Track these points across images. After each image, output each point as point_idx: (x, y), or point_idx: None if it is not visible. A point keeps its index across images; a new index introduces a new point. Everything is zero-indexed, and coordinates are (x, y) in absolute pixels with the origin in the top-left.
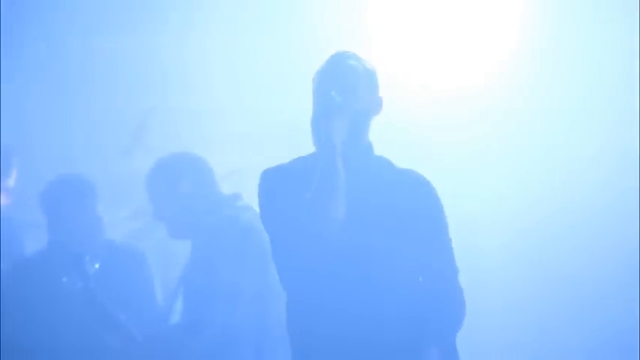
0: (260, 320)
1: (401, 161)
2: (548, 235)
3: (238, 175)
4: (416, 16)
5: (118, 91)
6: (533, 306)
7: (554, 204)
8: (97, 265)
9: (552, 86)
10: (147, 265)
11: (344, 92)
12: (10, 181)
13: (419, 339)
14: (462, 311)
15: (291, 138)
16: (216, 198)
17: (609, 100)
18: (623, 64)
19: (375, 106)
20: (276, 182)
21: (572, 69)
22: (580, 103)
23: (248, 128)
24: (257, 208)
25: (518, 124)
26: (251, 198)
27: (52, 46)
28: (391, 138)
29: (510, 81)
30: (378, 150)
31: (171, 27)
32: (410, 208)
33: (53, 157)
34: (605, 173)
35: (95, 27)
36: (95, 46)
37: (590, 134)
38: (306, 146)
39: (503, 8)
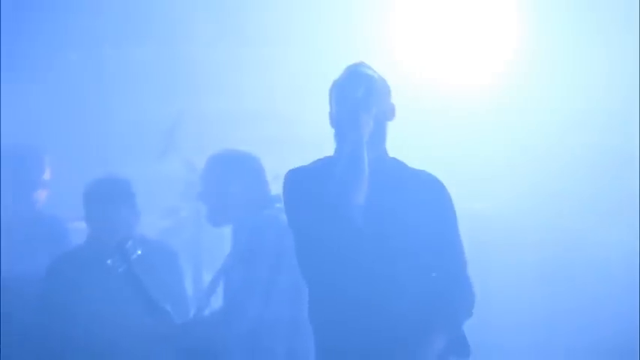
0: (293, 314)
1: (413, 162)
2: (549, 234)
3: (280, 179)
4: (422, 20)
5: (151, 96)
6: (533, 304)
7: (555, 204)
8: (139, 251)
9: (555, 87)
10: (177, 260)
11: (365, 96)
12: (46, 176)
13: (429, 325)
14: (471, 301)
15: (316, 142)
16: (260, 197)
17: (610, 101)
18: (625, 65)
19: (390, 112)
20: (300, 181)
21: (578, 71)
22: (583, 104)
23: (282, 132)
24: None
25: (524, 124)
26: None
27: (90, 53)
28: (402, 140)
29: (515, 82)
30: (392, 152)
31: (202, 34)
32: (423, 205)
33: (93, 157)
34: (605, 173)
35: (130, 35)
36: (130, 54)
37: (592, 134)
38: (328, 150)
39: (504, 11)
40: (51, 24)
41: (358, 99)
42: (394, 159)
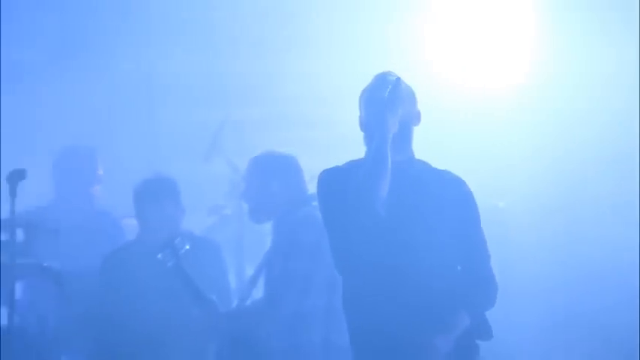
0: (329, 305)
1: (437, 161)
2: (551, 233)
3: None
4: (443, 29)
5: (198, 103)
6: (534, 304)
7: (570, 202)
8: (186, 247)
9: (568, 89)
10: (221, 254)
11: (392, 102)
12: (99, 172)
13: (455, 311)
14: (494, 292)
15: (347, 144)
16: (298, 196)
17: (612, 101)
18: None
19: (416, 117)
20: (332, 180)
21: (590, 73)
22: (585, 105)
23: (316, 135)
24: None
25: (541, 125)
26: None
27: (142, 64)
28: (427, 140)
29: (530, 84)
30: (418, 153)
31: (243, 49)
32: (448, 203)
33: (145, 159)
34: (606, 173)
35: (180, 48)
36: (180, 65)
37: (594, 135)
38: (357, 151)
39: (506, 16)
40: (107, 37)
41: (384, 101)
42: (420, 160)
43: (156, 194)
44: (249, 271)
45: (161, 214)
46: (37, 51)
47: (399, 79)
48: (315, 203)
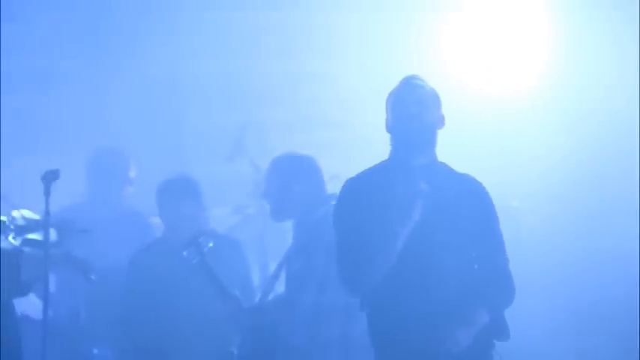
0: (347, 301)
1: (458, 164)
2: (576, 229)
3: (336, 179)
4: (462, 36)
5: (222, 105)
6: (546, 300)
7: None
8: (210, 244)
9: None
10: (243, 252)
11: (418, 105)
12: (132, 174)
13: (475, 308)
14: (512, 293)
15: (365, 145)
16: (318, 196)
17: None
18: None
19: (440, 121)
20: (356, 192)
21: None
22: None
23: (335, 137)
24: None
25: (554, 131)
26: None
27: (169, 67)
28: (449, 144)
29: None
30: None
31: (265, 52)
32: (468, 206)
33: (172, 160)
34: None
35: (204, 52)
36: (204, 68)
37: (603, 134)
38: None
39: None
40: (135, 43)
41: (411, 107)
42: (443, 163)
43: (177, 194)
44: (272, 268)
45: (182, 213)
46: (69, 56)
47: (424, 85)
48: (334, 202)
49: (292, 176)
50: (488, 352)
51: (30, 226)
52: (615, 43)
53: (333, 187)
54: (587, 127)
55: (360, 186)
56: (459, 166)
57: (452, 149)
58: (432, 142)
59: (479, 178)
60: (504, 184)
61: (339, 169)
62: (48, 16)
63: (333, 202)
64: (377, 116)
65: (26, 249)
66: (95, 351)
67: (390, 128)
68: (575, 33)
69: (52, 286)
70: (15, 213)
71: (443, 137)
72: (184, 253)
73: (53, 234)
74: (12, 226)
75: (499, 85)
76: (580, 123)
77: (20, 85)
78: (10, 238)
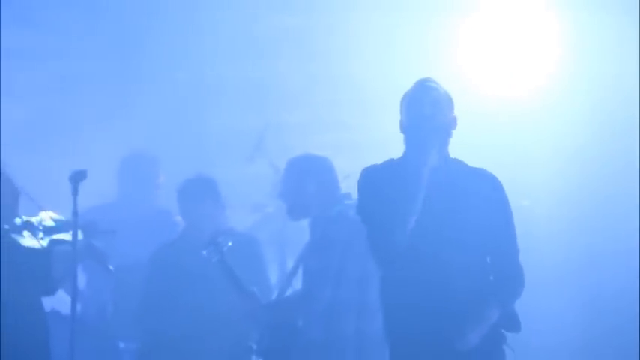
0: (361, 297)
1: (472, 161)
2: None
3: (350, 179)
4: (474, 40)
5: (242, 108)
6: (556, 297)
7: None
8: (229, 243)
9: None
10: (260, 250)
11: (432, 107)
12: (161, 180)
13: (486, 302)
14: (522, 284)
15: (379, 146)
16: (332, 195)
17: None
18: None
19: (452, 122)
20: (375, 177)
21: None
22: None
23: (349, 138)
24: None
25: (564, 132)
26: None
27: (193, 73)
28: (462, 143)
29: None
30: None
31: (284, 58)
32: (481, 200)
33: (195, 161)
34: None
35: (225, 58)
36: (225, 73)
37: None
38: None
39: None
40: (161, 49)
41: (425, 109)
42: (455, 159)
43: (197, 193)
44: (290, 265)
45: (202, 212)
46: (96, 61)
47: (438, 87)
48: (349, 202)
49: (307, 176)
50: (500, 344)
51: (57, 226)
52: (624, 43)
53: (347, 186)
54: (597, 126)
55: (376, 175)
56: (471, 164)
57: (464, 149)
58: (444, 142)
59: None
60: (515, 184)
61: (354, 169)
62: (76, 21)
63: (348, 202)
64: (392, 118)
65: (54, 248)
66: (121, 345)
67: (403, 129)
68: (585, 34)
69: (80, 284)
70: (43, 214)
71: (455, 137)
72: (204, 252)
73: (80, 235)
74: (40, 227)
75: (510, 86)
76: (590, 123)
77: (48, 89)
78: (38, 238)
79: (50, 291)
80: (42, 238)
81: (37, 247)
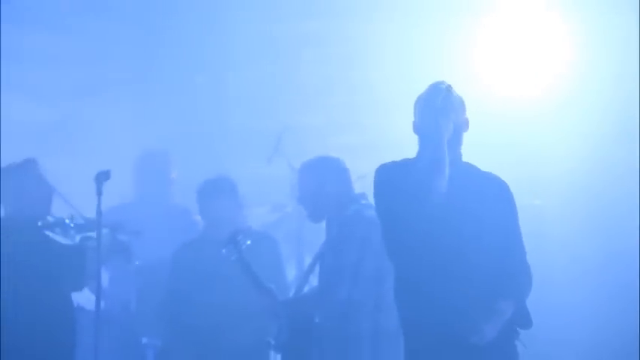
0: (377, 294)
1: (483, 163)
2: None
3: (365, 179)
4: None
5: (262, 111)
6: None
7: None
8: (248, 242)
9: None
10: (278, 248)
11: (445, 109)
12: (174, 175)
13: (499, 298)
14: (530, 282)
15: (393, 147)
16: (348, 195)
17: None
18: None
19: (465, 124)
20: (389, 173)
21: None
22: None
23: (364, 140)
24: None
25: (574, 134)
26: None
27: (214, 76)
28: (473, 144)
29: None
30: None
31: (303, 61)
32: (491, 201)
33: (216, 161)
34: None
35: (245, 61)
36: (246, 76)
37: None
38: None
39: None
40: (183, 53)
41: (439, 108)
42: (467, 163)
43: (216, 193)
44: (307, 263)
45: (221, 211)
46: (120, 65)
47: (449, 86)
48: (365, 201)
49: (323, 178)
50: (512, 340)
51: (87, 225)
52: (635, 44)
53: (362, 186)
54: (610, 126)
55: (392, 172)
56: (484, 165)
57: (477, 149)
58: (456, 142)
59: (502, 178)
60: (527, 183)
61: (369, 169)
62: (100, 27)
63: (364, 201)
64: (406, 119)
65: (85, 246)
66: (144, 340)
67: (417, 129)
68: (596, 34)
69: (104, 281)
70: (74, 213)
71: (468, 138)
72: (223, 250)
73: (108, 233)
74: (72, 225)
75: (523, 87)
76: (603, 122)
77: (73, 92)
78: (70, 235)
79: (80, 287)
80: (73, 236)
81: (69, 244)
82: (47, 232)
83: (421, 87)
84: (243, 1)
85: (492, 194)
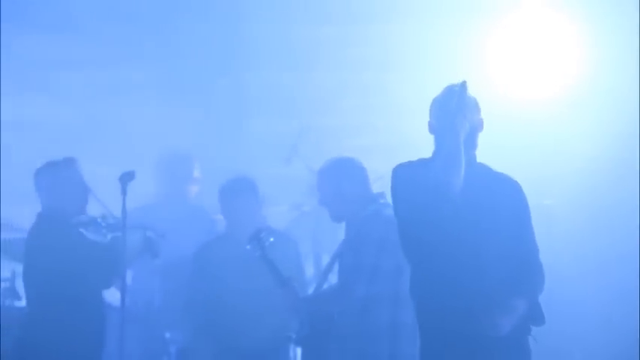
0: (395, 291)
1: (497, 163)
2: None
3: (383, 180)
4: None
5: (281, 113)
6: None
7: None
8: (271, 239)
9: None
10: (298, 248)
11: (460, 110)
12: (196, 175)
13: (514, 297)
14: (542, 279)
15: (409, 149)
16: (367, 195)
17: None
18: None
19: (479, 125)
20: (407, 173)
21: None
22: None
23: (380, 141)
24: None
25: (584, 135)
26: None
27: (234, 79)
28: (487, 145)
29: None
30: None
31: (321, 64)
32: (504, 201)
33: (234, 162)
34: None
35: (264, 64)
36: (265, 79)
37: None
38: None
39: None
40: (204, 57)
41: (455, 107)
42: (480, 163)
43: (239, 192)
44: (325, 261)
45: (243, 210)
46: (144, 70)
47: (464, 83)
48: (383, 200)
49: (341, 179)
50: (525, 336)
51: (118, 224)
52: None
53: (380, 186)
54: (622, 126)
55: (408, 171)
56: (497, 165)
57: (489, 150)
58: (471, 143)
59: (514, 178)
60: (538, 183)
61: (386, 170)
62: (124, 31)
63: (382, 201)
64: (421, 121)
65: (115, 244)
66: (167, 335)
67: (432, 130)
68: (606, 35)
69: (128, 278)
70: (106, 212)
71: (482, 138)
72: (248, 246)
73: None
74: (104, 224)
75: (534, 88)
76: (614, 123)
77: (99, 94)
78: (102, 234)
79: (109, 284)
80: (105, 235)
81: (100, 242)
82: (81, 230)
83: (435, 89)
84: (263, 7)
85: (506, 194)
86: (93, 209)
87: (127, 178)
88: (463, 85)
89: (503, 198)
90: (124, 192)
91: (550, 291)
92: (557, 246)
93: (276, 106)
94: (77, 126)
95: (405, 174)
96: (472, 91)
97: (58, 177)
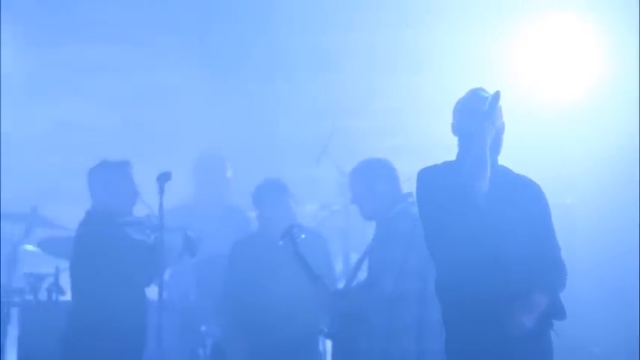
0: (421, 288)
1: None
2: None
3: (412, 181)
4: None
5: (312, 115)
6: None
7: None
8: (302, 236)
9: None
10: (327, 246)
11: (490, 108)
12: (229, 174)
13: (536, 293)
14: (565, 277)
15: (435, 150)
16: (396, 194)
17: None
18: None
19: (503, 128)
20: (432, 176)
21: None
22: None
23: (408, 142)
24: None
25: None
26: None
27: (265, 83)
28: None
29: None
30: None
31: (350, 66)
32: (526, 203)
33: (269, 163)
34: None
35: (295, 70)
36: (295, 84)
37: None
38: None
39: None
40: (237, 63)
41: (485, 113)
42: (502, 166)
43: (272, 191)
44: (354, 258)
45: (278, 209)
46: (180, 74)
47: (497, 95)
48: (411, 199)
49: (373, 178)
50: (547, 331)
51: (157, 224)
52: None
53: (409, 187)
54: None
55: (434, 174)
56: (519, 165)
57: (514, 150)
58: (496, 146)
59: (536, 178)
60: (559, 183)
61: (414, 171)
62: (160, 37)
63: (410, 200)
64: (448, 123)
65: (158, 243)
66: (203, 328)
67: (456, 131)
68: (629, 38)
69: (166, 276)
70: (150, 213)
71: (505, 139)
72: (280, 242)
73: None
74: (148, 224)
75: (557, 88)
76: (634, 122)
77: (135, 99)
78: (146, 234)
79: (151, 282)
80: (148, 235)
81: (144, 242)
82: (127, 229)
83: (462, 91)
84: (295, 13)
85: (527, 195)
86: (137, 209)
87: (164, 178)
88: (497, 95)
89: (525, 200)
90: (161, 191)
91: (571, 288)
92: (578, 243)
93: (308, 109)
94: (117, 128)
95: (430, 177)
96: (496, 87)
97: (112, 177)
